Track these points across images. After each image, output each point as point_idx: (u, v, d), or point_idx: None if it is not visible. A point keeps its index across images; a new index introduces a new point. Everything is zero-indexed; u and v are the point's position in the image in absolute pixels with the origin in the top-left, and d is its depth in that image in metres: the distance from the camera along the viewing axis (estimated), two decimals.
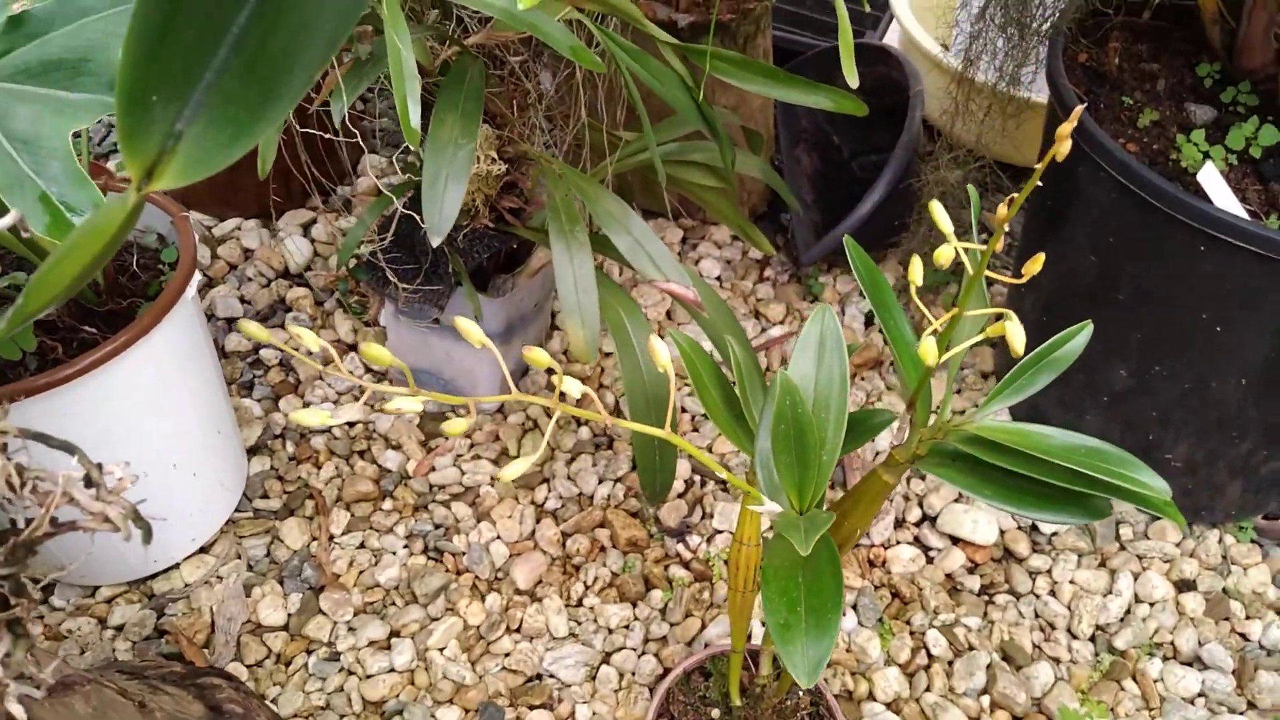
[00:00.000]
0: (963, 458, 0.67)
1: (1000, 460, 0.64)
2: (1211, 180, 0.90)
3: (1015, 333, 0.53)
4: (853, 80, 0.77)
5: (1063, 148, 0.46)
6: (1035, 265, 0.52)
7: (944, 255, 0.53)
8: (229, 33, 0.31)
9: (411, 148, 0.75)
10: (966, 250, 0.54)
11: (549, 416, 1.28)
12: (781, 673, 0.85)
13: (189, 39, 0.31)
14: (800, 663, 0.53)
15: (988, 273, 0.58)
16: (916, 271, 0.56)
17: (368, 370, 1.32)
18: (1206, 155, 0.94)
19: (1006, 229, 0.55)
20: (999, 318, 0.56)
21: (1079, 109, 0.48)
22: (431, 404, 1.29)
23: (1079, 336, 0.65)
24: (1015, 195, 0.49)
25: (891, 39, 1.63)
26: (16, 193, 0.57)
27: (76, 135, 0.58)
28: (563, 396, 0.54)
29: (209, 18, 0.31)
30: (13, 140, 0.59)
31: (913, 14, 1.54)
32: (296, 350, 0.46)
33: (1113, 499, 0.65)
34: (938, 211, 0.55)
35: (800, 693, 0.89)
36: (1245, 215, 0.91)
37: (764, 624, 0.66)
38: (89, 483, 0.42)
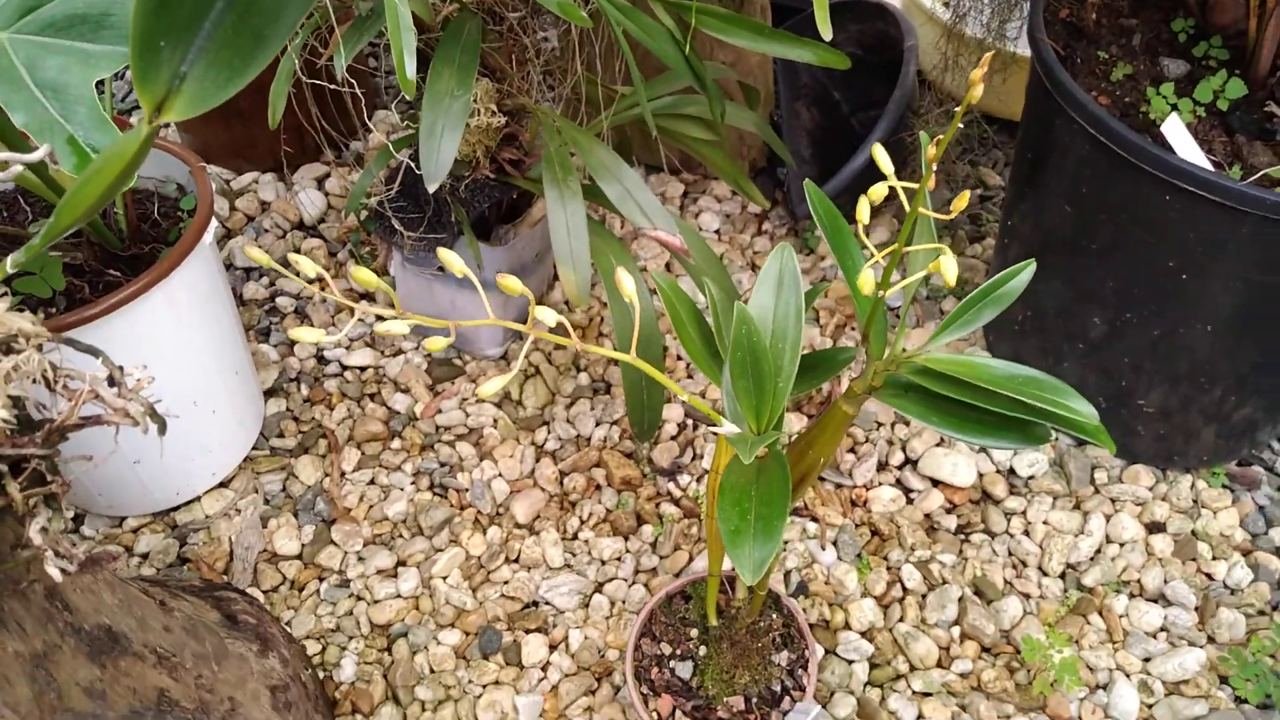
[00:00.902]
0: (915, 389, 0.72)
1: (947, 390, 0.69)
2: (1175, 131, 0.94)
3: (948, 266, 0.58)
4: (826, 34, 0.82)
5: (975, 92, 0.51)
6: (961, 202, 0.57)
7: (877, 193, 0.58)
8: None
9: (409, 100, 0.81)
10: (906, 190, 0.59)
11: (537, 348, 1.34)
12: (754, 594, 0.91)
13: None
14: (747, 562, 0.59)
15: (933, 214, 0.62)
16: (863, 210, 0.61)
17: (379, 318, 1.39)
18: (1174, 107, 0.98)
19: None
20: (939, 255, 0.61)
21: (987, 56, 0.52)
22: (439, 352, 1.35)
23: (1022, 274, 0.70)
24: (940, 137, 0.54)
25: None
26: (47, 135, 0.63)
27: (100, 84, 0.64)
28: (539, 324, 0.60)
29: None
30: (42, 88, 0.65)
31: None
32: (293, 276, 0.51)
33: (1054, 427, 0.70)
34: (879, 154, 0.59)
35: (773, 614, 0.95)
36: (1209, 166, 0.95)
37: None
38: (112, 382, 0.48)
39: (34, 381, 0.44)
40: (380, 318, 1.14)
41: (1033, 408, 0.67)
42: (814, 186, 0.71)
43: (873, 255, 0.61)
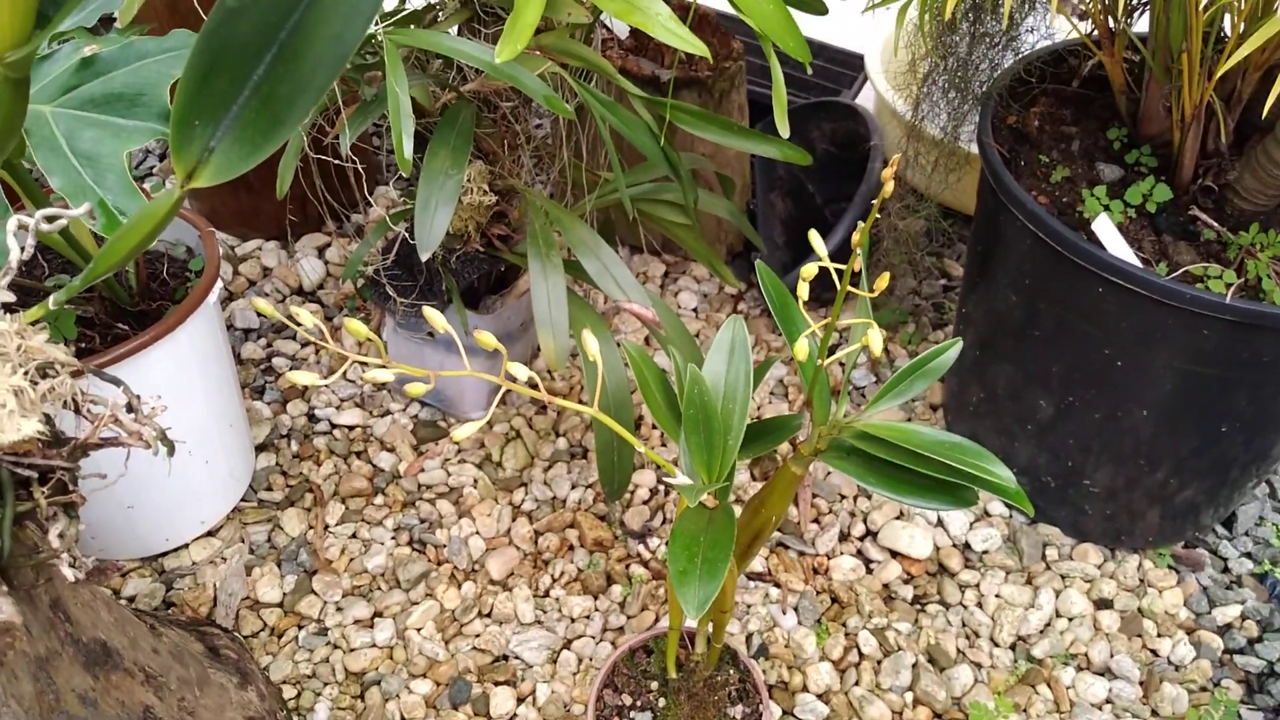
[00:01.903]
0: (856, 452, 0.79)
1: (884, 453, 0.76)
2: (1105, 230, 1.03)
3: (874, 339, 0.65)
4: (784, 132, 0.91)
5: (887, 188, 0.59)
6: (881, 283, 0.65)
7: (808, 271, 0.65)
8: (250, 81, 0.45)
9: (406, 177, 0.89)
10: (838, 270, 0.67)
11: (523, 416, 1.40)
12: (711, 648, 0.97)
13: (223, 84, 0.45)
14: (692, 600, 0.65)
15: (861, 292, 0.70)
16: (803, 289, 0.69)
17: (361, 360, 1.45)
18: (1107, 208, 1.07)
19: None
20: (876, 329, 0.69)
21: (895, 159, 0.61)
22: (425, 413, 1.42)
23: (949, 352, 0.77)
24: (862, 224, 0.62)
25: (867, 99, 1.78)
26: (80, 199, 0.71)
27: (134, 170, 0.72)
28: (509, 376, 0.67)
29: (236, 71, 0.44)
30: (78, 156, 0.73)
31: (884, 75, 1.68)
32: (294, 325, 0.57)
33: (979, 490, 0.76)
34: (814, 239, 0.67)
35: (730, 670, 1.00)
36: (1137, 262, 1.03)
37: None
38: (130, 409, 0.54)
39: (64, 405, 0.51)
40: (366, 363, 1.22)
41: (959, 471, 0.74)
42: (763, 266, 0.78)
43: (810, 328, 0.69)
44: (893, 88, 1.63)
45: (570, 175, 1.22)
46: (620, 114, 1.04)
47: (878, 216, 1.44)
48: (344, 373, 0.58)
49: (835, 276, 0.65)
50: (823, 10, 1.07)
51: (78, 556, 0.53)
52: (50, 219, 0.51)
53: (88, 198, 0.71)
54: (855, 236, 0.63)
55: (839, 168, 1.60)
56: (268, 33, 0.43)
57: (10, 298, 0.52)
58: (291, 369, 1.47)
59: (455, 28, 1.06)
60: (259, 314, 1.52)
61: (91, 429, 0.52)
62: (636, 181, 1.26)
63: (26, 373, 0.48)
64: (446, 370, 1.35)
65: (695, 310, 1.59)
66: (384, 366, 0.63)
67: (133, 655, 0.70)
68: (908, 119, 1.32)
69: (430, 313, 0.64)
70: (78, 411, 0.52)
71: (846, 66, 1.79)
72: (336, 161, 1.15)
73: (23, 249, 0.51)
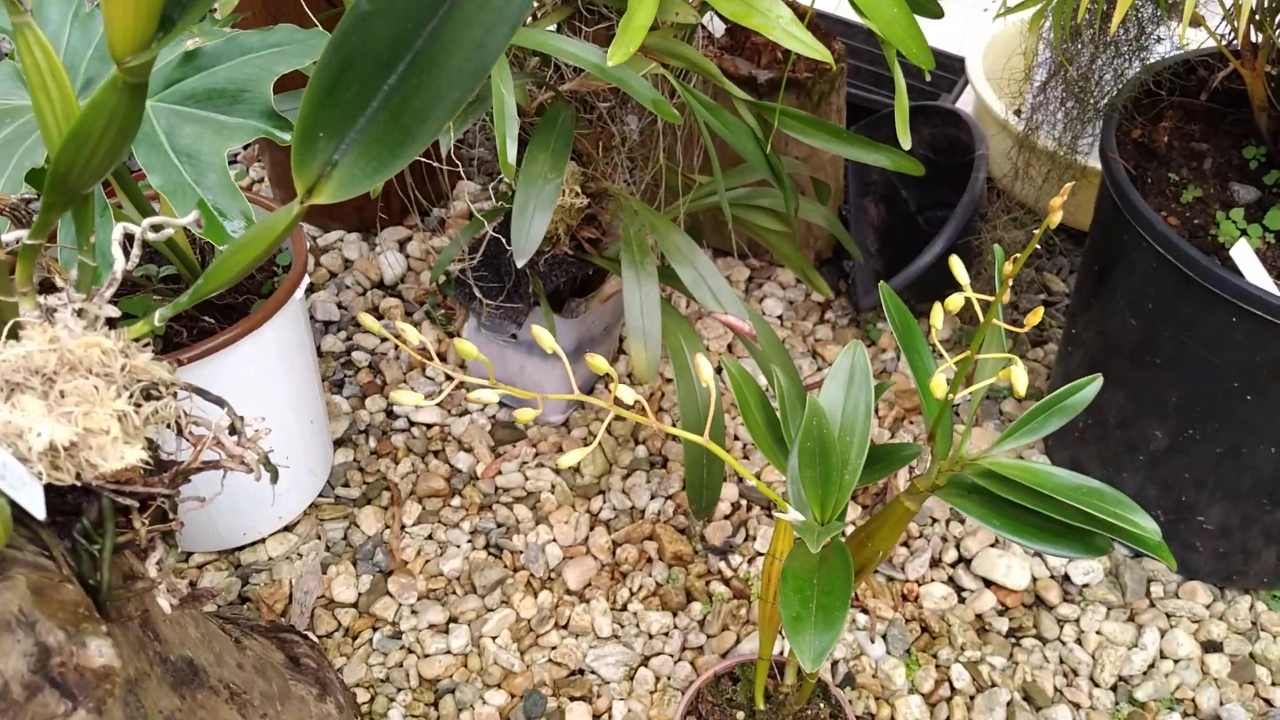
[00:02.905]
0: (978, 490, 0.74)
1: (1010, 494, 0.71)
2: (1244, 255, 0.96)
3: (1019, 376, 0.60)
4: (906, 143, 0.85)
5: (1054, 218, 0.54)
6: (1035, 318, 0.59)
7: (953, 303, 0.60)
8: (380, 92, 0.41)
9: (505, 178, 0.86)
10: (980, 300, 0.62)
11: (604, 422, 1.37)
12: (804, 681, 0.92)
13: (351, 94, 0.41)
14: (807, 650, 0.60)
15: (1007, 326, 0.65)
16: (938, 317, 0.64)
17: (448, 378, 1.43)
18: (1244, 232, 0.99)
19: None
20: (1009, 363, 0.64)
21: (1067, 186, 0.55)
22: (503, 414, 1.39)
23: (1089, 388, 0.72)
24: (1018, 256, 0.57)
25: (966, 103, 1.70)
26: (179, 197, 0.69)
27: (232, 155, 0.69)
28: (618, 401, 0.63)
29: (367, 81, 0.41)
30: (178, 153, 0.71)
31: (987, 80, 1.61)
32: (401, 342, 0.55)
33: (1114, 539, 0.71)
34: (956, 266, 0.62)
35: (821, 703, 0.96)
36: (1276, 291, 0.96)
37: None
38: (232, 430, 0.52)
39: (167, 427, 0.49)
40: (472, 384, 1.19)
41: (1094, 518, 0.68)
42: (888, 288, 0.74)
43: (945, 360, 0.64)
44: (997, 94, 1.56)
45: (664, 178, 1.18)
46: (723, 117, 1.00)
47: (978, 229, 1.38)
48: (448, 394, 0.55)
49: (979, 309, 0.60)
50: (939, 14, 1.01)
51: (174, 584, 0.51)
52: (156, 228, 0.48)
53: (187, 196, 0.69)
54: (1008, 266, 0.58)
55: (936, 174, 1.52)
56: (404, 40, 0.40)
57: (115, 313, 0.49)
58: (370, 365, 1.45)
59: (555, 25, 1.02)
60: (364, 328, 1.51)
61: (194, 453, 0.49)
62: (732, 185, 1.21)
63: (131, 395, 0.46)
64: (532, 385, 1.33)
65: (780, 318, 1.54)
66: (492, 387, 0.60)
67: (218, 672, 0.68)
68: (1018, 128, 1.25)
69: (540, 332, 0.61)
70: (180, 433, 0.50)
71: (946, 70, 1.72)
72: (427, 161, 1.13)
73: (127, 257, 0.49)
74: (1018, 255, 0.58)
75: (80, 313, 0.47)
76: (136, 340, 0.49)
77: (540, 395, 0.60)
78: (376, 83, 0.41)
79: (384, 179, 0.42)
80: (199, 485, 0.62)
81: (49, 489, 0.43)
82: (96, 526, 0.49)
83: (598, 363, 0.61)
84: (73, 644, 0.45)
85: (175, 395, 0.49)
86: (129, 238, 0.49)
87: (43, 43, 0.41)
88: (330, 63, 0.41)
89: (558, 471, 1.32)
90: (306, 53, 0.74)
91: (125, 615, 0.53)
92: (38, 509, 0.41)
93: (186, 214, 0.69)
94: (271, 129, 0.72)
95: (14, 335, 0.44)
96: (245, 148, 1.77)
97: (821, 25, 1.41)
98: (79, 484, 0.44)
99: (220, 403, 0.54)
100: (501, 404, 1.40)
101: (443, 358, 1.47)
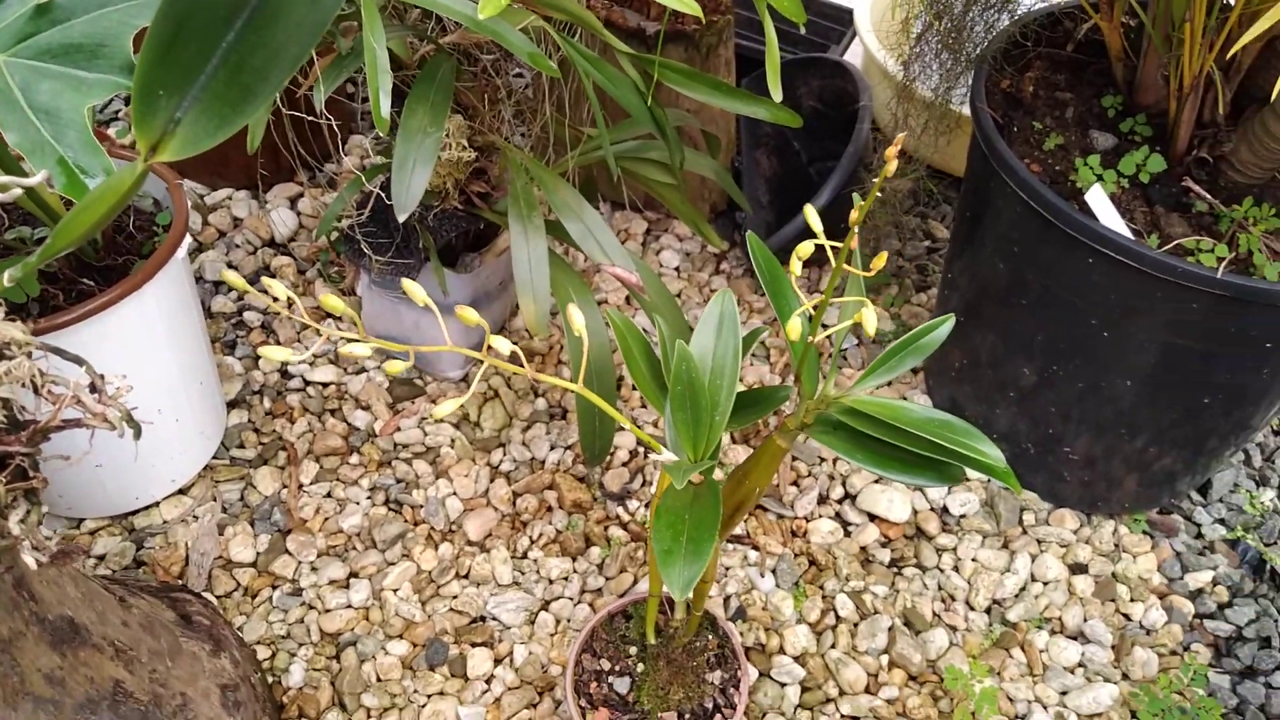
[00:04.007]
0: (843, 427, 0.78)
1: (871, 429, 0.75)
2: (1097, 200, 1.01)
3: (868, 318, 0.63)
4: (777, 95, 0.88)
5: (890, 167, 0.57)
6: (879, 262, 0.63)
7: (804, 250, 0.63)
8: (218, 49, 0.42)
9: (381, 134, 0.86)
10: (833, 248, 0.65)
11: (504, 377, 1.38)
12: (691, 615, 0.96)
13: (190, 52, 0.42)
14: (676, 580, 0.64)
15: (856, 271, 0.68)
16: (796, 263, 0.67)
17: (344, 337, 1.43)
18: (1100, 178, 1.05)
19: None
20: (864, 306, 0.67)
21: (899, 138, 0.58)
22: (402, 373, 1.39)
23: (940, 329, 0.76)
24: (862, 204, 0.60)
25: (856, 54, 1.74)
26: (38, 156, 0.67)
27: (99, 117, 0.68)
28: (492, 351, 0.65)
29: (205, 38, 0.41)
30: (36, 111, 0.69)
31: (874, 32, 1.64)
32: (275, 301, 0.55)
33: (965, 467, 0.75)
34: (810, 213, 0.65)
35: (709, 635, 1.00)
36: (1129, 234, 1.02)
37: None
38: (93, 389, 0.52)
39: (22, 386, 0.49)
40: (346, 338, 1.19)
41: (945, 449, 0.73)
42: (755, 238, 0.76)
43: (803, 304, 0.67)
44: (883, 46, 1.59)
45: (552, 131, 1.19)
46: (606, 71, 1.01)
47: (861, 178, 1.42)
48: (316, 348, 0.56)
49: (831, 253, 0.63)
50: None
51: (41, 541, 0.51)
52: (4, 188, 0.48)
53: (47, 154, 0.68)
54: (853, 214, 0.61)
55: (826, 126, 1.57)
56: None
57: None
58: (262, 325, 1.43)
59: None
60: (230, 285, 1.49)
61: (53, 412, 0.49)
62: (620, 139, 1.23)
63: None
64: (424, 343, 1.33)
65: (677, 269, 1.56)
66: (363, 340, 0.61)
67: (101, 630, 0.69)
68: (899, 79, 1.29)
69: (410, 285, 0.62)
70: (37, 392, 0.50)
71: (835, 21, 1.75)
72: (310, 116, 1.11)
73: None
74: (861, 204, 0.61)
75: None
76: None
77: (411, 348, 0.62)
78: (214, 40, 0.41)
79: (227, 135, 0.43)
80: (71, 446, 0.62)
81: None
82: None
83: (468, 314, 0.62)
84: None
85: (30, 355, 0.49)
86: None
87: None
88: (165, 20, 0.41)
89: (457, 426, 1.33)
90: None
91: None
92: None
93: (52, 173, 0.68)
94: (131, 84, 0.70)
95: None
96: (127, 103, 1.71)
97: None
98: None
99: (79, 361, 0.54)
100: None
101: (336, 318, 1.46)
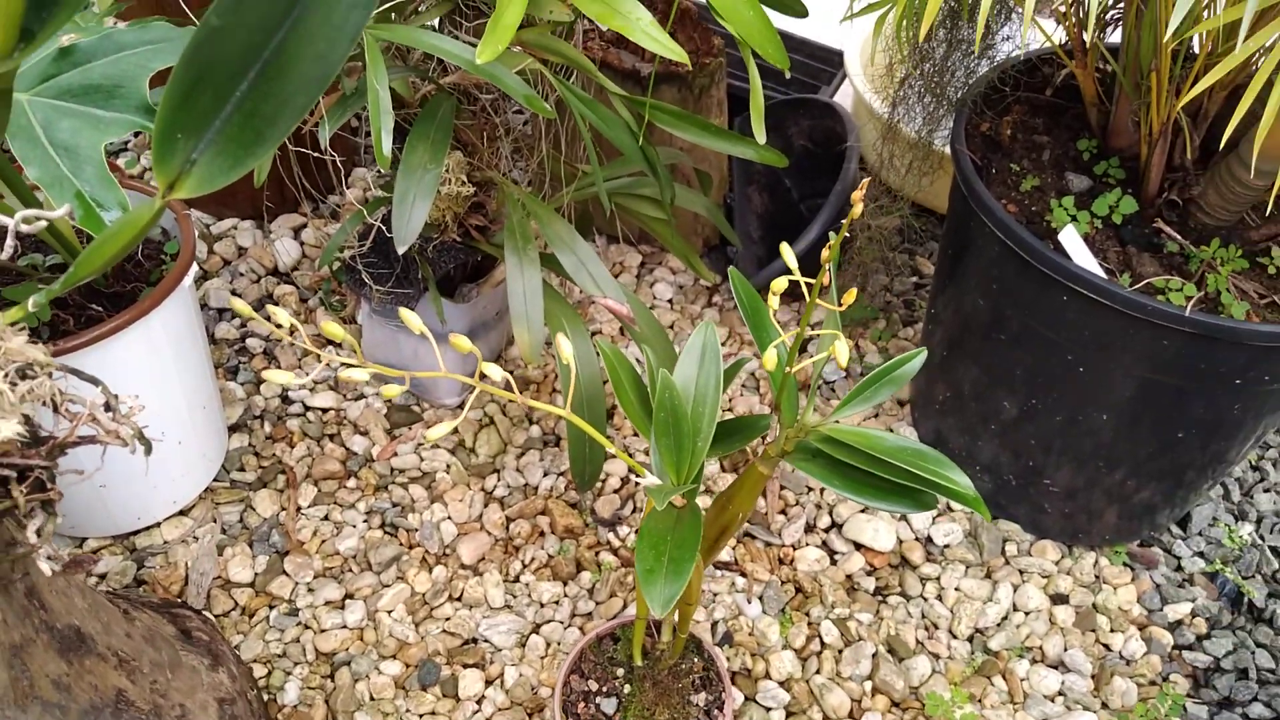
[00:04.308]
0: (821, 455, 0.81)
1: (848, 457, 0.78)
2: (1070, 240, 1.05)
3: (840, 350, 0.67)
4: (760, 138, 0.92)
5: (856, 210, 0.61)
6: (849, 298, 0.66)
7: (779, 285, 0.67)
8: (233, 97, 0.46)
9: (382, 170, 0.90)
10: (807, 284, 0.68)
11: (499, 404, 1.41)
12: (677, 637, 0.99)
13: (207, 99, 0.46)
14: (657, 598, 0.67)
15: (827, 305, 0.72)
16: (775, 299, 0.70)
17: (344, 364, 1.46)
18: (1074, 218, 1.09)
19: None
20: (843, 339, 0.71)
21: (864, 183, 0.62)
22: (399, 398, 1.43)
23: (913, 361, 0.79)
24: (834, 235, 0.64)
25: (846, 95, 1.79)
26: (57, 189, 0.71)
27: (109, 148, 0.72)
28: (484, 378, 0.68)
29: (221, 87, 0.45)
30: (56, 147, 0.74)
31: (863, 75, 1.70)
32: (279, 328, 0.58)
33: (938, 495, 0.79)
34: (786, 251, 0.69)
35: (695, 658, 1.03)
36: (1101, 273, 1.06)
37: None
38: (108, 408, 0.55)
39: (43, 404, 0.52)
40: (345, 364, 1.22)
41: (919, 477, 0.76)
42: (735, 273, 0.80)
43: (780, 336, 0.70)
44: (871, 88, 1.64)
45: (549, 167, 1.23)
46: (599, 111, 1.05)
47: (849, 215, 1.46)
48: (317, 373, 0.59)
49: (805, 289, 0.67)
50: (803, 13, 1.08)
51: (55, 551, 0.55)
52: (29, 220, 0.51)
53: (65, 188, 0.72)
54: (825, 252, 0.65)
55: (816, 165, 1.61)
56: (252, 52, 0.44)
57: None
58: (264, 351, 1.47)
59: (437, 20, 1.06)
60: (236, 314, 1.52)
61: (70, 428, 0.53)
62: (614, 175, 1.27)
63: (6, 375, 0.49)
64: (421, 370, 1.36)
65: (670, 301, 1.60)
66: (361, 365, 0.64)
67: (106, 640, 0.72)
68: (885, 120, 1.33)
69: (406, 314, 0.66)
70: (56, 410, 0.53)
71: (826, 63, 1.80)
72: (315, 153, 1.15)
73: (1, 248, 0.52)
74: (834, 235, 0.64)
75: None
76: (12, 325, 0.52)
77: (408, 373, 0.65)
78: (229, 89, 0.45)
79: (239, 175, 0.47)
80: (84, 461, 0.65)
81: None
82: None
83: (461, 342, 0.66)
84: None
85: (50, 375, 0.52)
86: (1, 229, 0.52)
87: None
88: (186, 71, 0.45)
89: (453, 451, 1.37)
90: (180, 50, 0.77)
91: (7, 580, 0.55)
92: None
93: (64, 205, 0.72)
94: (147, 123, 0.75)
95: None
96: (136, 135, 1.76)
97: (703, 21, 1.47)
98: None
99: (95, 381, 0.58)
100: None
101: (337, 345, 1.49)
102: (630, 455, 1.37)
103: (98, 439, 0.54)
